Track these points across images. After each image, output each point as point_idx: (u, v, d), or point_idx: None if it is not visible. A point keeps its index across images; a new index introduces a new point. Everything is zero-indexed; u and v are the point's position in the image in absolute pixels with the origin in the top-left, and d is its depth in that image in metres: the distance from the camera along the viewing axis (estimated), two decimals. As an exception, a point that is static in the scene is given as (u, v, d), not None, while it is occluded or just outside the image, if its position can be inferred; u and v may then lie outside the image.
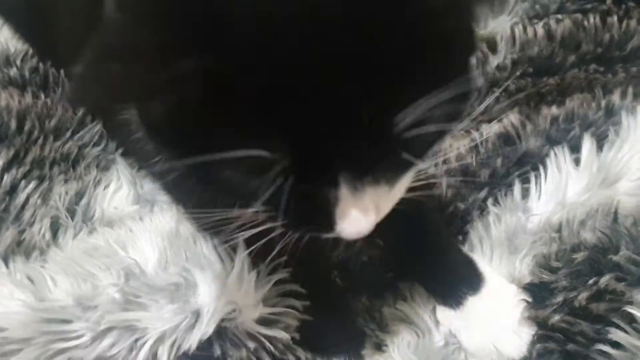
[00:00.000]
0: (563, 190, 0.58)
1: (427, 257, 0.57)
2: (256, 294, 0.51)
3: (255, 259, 0.52)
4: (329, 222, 0.36)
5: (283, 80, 0.30)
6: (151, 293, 0.49)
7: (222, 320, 0.49)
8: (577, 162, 0.59)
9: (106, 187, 0.68)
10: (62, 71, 0.74)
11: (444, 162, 0.64)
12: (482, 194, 0.62)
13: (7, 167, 0.65)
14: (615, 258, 0.50)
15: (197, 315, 0.49)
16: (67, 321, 0.50)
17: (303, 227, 0.38)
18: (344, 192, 0.34)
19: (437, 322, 0.57)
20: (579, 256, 0.52)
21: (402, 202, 0.39)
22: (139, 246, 0.54)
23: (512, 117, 0.67)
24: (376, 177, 0.35)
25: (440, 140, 0.37)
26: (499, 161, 0.63)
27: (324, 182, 0.34)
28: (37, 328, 0.49)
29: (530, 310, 0.53)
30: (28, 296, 0.51)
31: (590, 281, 0.51)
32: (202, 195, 0.45)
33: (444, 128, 0.35)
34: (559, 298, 0.52)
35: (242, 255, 0.50)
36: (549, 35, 0.75)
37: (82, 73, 0.39)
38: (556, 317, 0.51)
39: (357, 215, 0.35)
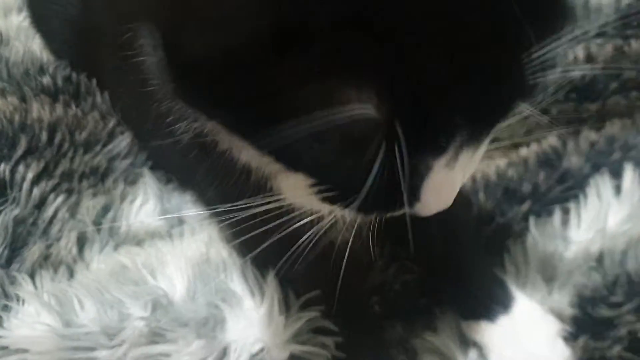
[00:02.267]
0: (603, 220, 0.57)
1: (461, 275, 0.55)
2: (285, 332, 0.49)
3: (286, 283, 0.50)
4: (413, 197, 0.30)
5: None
6: (179, 327, 0.48)
7: (250, 357, 0.48)
8: (617, 189, 0.58)
9: (133, 200, 0.67)
10: (94, 81, 0.73)
11: (483, 177, 0.63)
12: (524, 207, 0.60)
13: (37, 179, 0.64)
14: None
15: (224, 352, 0.47)
16: (91, 349, 0.49)
17: (375, 208, 0.31)
18: (443, 159, 0.28)
19: (465, 354, 0.55)
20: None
21: (440, 220, 0.35)
22: (168, 273, 0.53)
23: (552, 140, 0.66)
24: (480, 138, 0.29)
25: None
26: (540, 176, 0.62)
27: (437, 146, 0.28)
28: (60, 356, 0.48)
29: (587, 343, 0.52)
30: (54, 319, 0.51)
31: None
32: (222, 185, 0.39)
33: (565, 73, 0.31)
34: (621, 331, 0.50)
35: (271, 290, 0.48)
36: (589, 59, 0.73)
37: None
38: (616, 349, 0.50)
39: (447, 187, 0.30)
